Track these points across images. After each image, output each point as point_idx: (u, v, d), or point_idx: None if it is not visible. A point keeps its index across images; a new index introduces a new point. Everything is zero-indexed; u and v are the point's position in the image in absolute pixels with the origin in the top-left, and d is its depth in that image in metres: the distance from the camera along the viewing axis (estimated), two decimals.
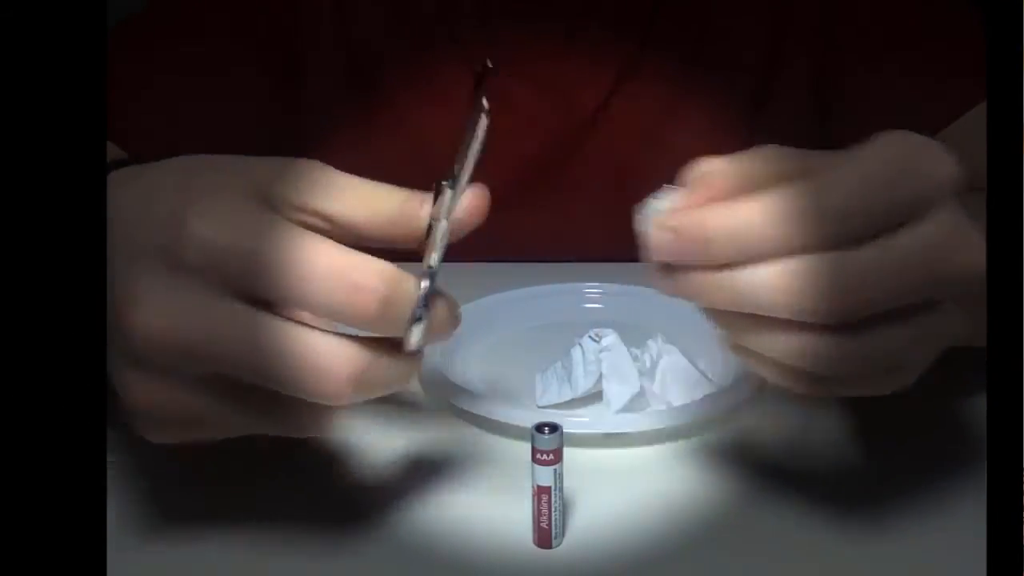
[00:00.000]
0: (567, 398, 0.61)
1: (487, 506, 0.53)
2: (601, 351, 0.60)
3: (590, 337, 0.61)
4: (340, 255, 0.41)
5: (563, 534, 0.51)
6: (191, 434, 0.44)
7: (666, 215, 0.42)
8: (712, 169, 0.42)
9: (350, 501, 0.54)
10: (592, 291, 0.72)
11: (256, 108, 0.82)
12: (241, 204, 0.41)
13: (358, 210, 0.43)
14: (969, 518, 0.51)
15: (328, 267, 0.40)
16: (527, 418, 0.57)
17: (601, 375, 0.60)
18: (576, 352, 0.61)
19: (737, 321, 0.42)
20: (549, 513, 0.50)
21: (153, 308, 0.41)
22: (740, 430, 0.60)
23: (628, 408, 0.59)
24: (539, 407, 0.61)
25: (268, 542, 0.51)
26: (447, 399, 0.60)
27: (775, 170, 0.42)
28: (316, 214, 0.43)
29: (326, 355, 0.41)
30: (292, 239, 0.40)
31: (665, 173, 0.45)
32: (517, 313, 0.70)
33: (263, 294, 0.41)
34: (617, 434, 0.58)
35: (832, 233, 0.39)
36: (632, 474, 0.56)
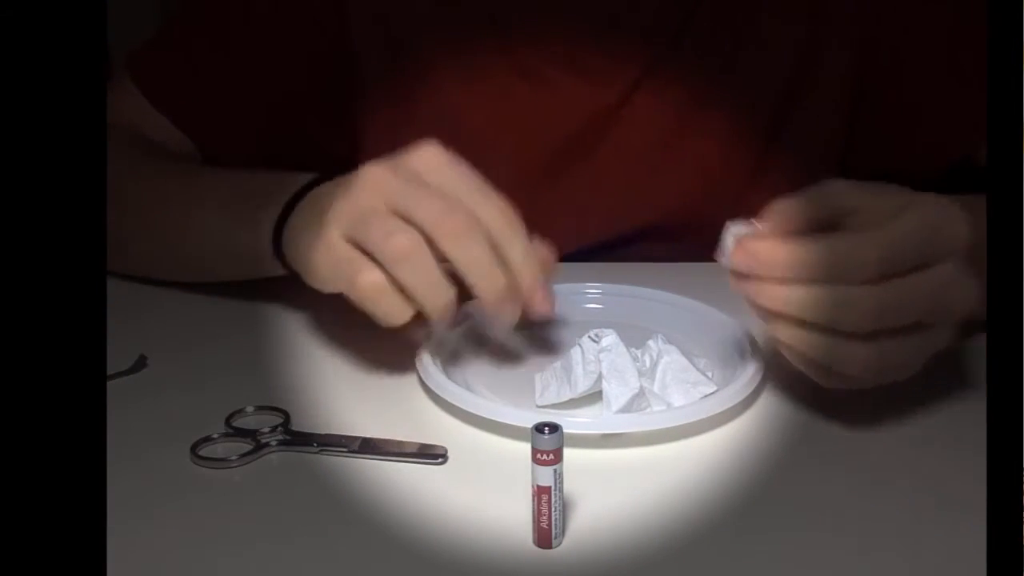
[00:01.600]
0: (566, 398, 0.61)
1: (487, 506, 0.53)
2: (601, 351, 0.60)
3: (590, 337, 0.61)
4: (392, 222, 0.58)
5: (563, 534, 0.51)
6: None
7: (748, 238, 0.56)
8: (785, 207, 0.55)
9: (350, 501, 0.54)
10: (592, 291, 0.72)
11: (299, 93, 0.83)
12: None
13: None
14: (969, 518, 0.51)
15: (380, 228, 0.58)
16: (527, 418, 0.57)
17: (600, 375, 0.60)
18: (576, 352, 0.61)
19: (783, 322, 0.55)
20: (549, 513, 0.50)
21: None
22: (740, 430, 0.60)
23: (628, 408, 0.59)
24: (538, 407, 0.61)
25: (268, 542, 0.51)
26: (447, 399, 0.60)
27: (836, 207, 0.55)
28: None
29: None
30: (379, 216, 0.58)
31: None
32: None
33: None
34: (617, 434, 0.58)
35: (868, 274, 0.53)
36: (632, 474, 0.56)
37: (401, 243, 0.57)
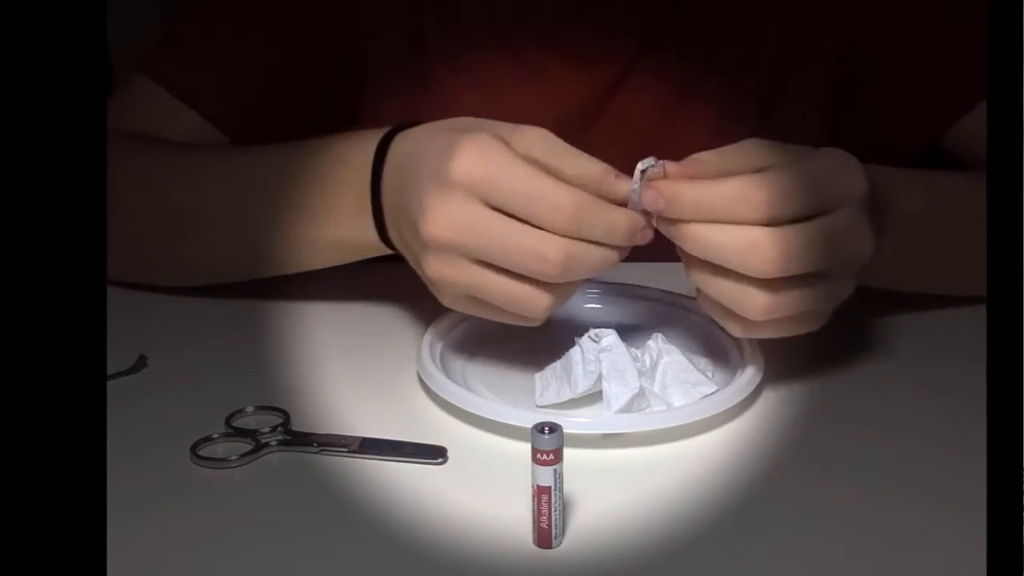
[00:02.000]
0: (566, 398, 0.61)
1: (487, 506, 0.53)
2: (601, 351, 0.60)
3: (590, 337, 0.61)
4: (527, 237, 0.56)
5: (563, 534, 0.51)
6: (467, 307, 0.60)
7: (658, 180, 0.57)
8: (701, 158, 0.57)
9: (350, 501, 0.54)
10: (592, 291, 0.72)
11: (309, 84, 0.83)
12: (489, 145, 0.57)
13: (568, 169, 0.57)
14: (969, 518, 0.51)
15: (518, 247, 0.56)
16: (527, 418, 0.57)
17: (600, 375, 0.60)
18: (575, 352, 0.61)
19: (696, 266, 0.57)
20: (549, 513, 0.50)
21: (433, 216, 0.57)
22: (740, 430, 0.60)
23: (628, 408, 0.59)
24: (538, 407, 0.61)
25: (268, 542, 0.51)
26: (447, 399, 0.60)
27: (749, 163, 0.57)
28: (539, 165, 0.57)
29: (541, 241, 0.56)
30: (496, 227, 0.56)
31: (678, 154, 0.58)
32: None
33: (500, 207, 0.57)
34: (617, 434, 0.58)
35: (758, 213, 0.55)
36: (632, 474, 0.56)
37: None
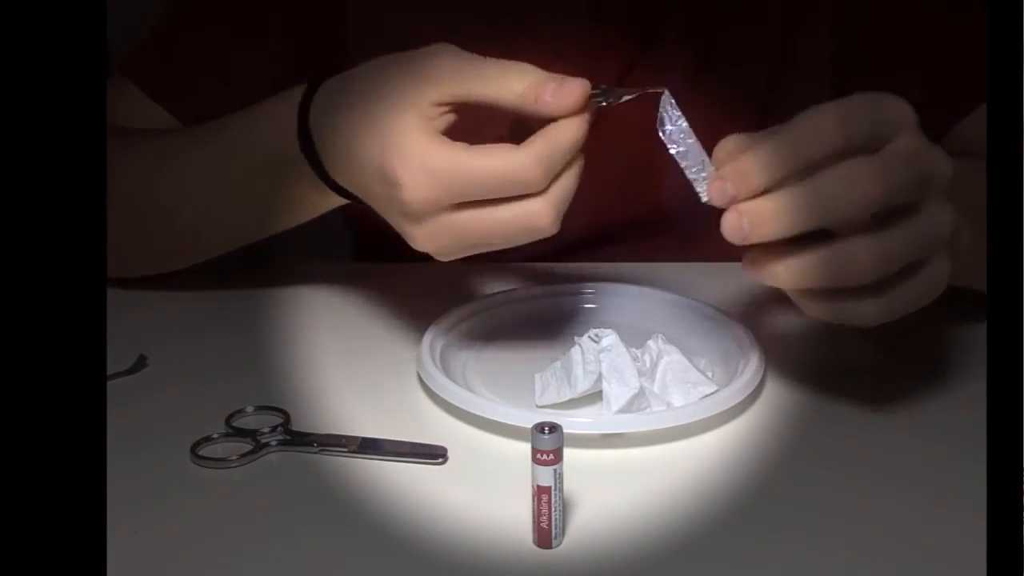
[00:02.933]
0: (566, 398, 0.61)
1: (487, 506, 0.53)
2: (601, 351, 0.60)
3: (590, 337, 0.61)
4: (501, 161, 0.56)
5: (563, 534, 0.51)
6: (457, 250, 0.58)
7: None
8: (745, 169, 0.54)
9: (350, 501, 0.54)
10: (592, 291, 0.72)
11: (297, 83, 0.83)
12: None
13: (488, 91, 0.57)
14: (969, 518, 0.51)
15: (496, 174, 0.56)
16: (527, 418, 0.57)
17: (600, 375, 0.60)
18: (576, 352, 0.61)
19: (802, 298, 0.56)
20: (549, 513, 0.50)
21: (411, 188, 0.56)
22: (740, 430, 0.60)
23: (628, 408, 0.59)
24: (538, 407, 0.61)
25: (268, 542, 0.51)
26: (447, 399, 0.60)
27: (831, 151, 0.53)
28: (459, 102, 0.57)
29: (509, 157, 0.56)
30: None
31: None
32: (517, 313, 0.70)
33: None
34: (617, 434, 0.58)
35: (836, 138, 0.52)
36: (632, 474, 0.56)
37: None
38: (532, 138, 0.56)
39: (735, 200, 0.53)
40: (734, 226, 0.53)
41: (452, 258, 0.59)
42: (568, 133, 0.57)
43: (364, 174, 0.59)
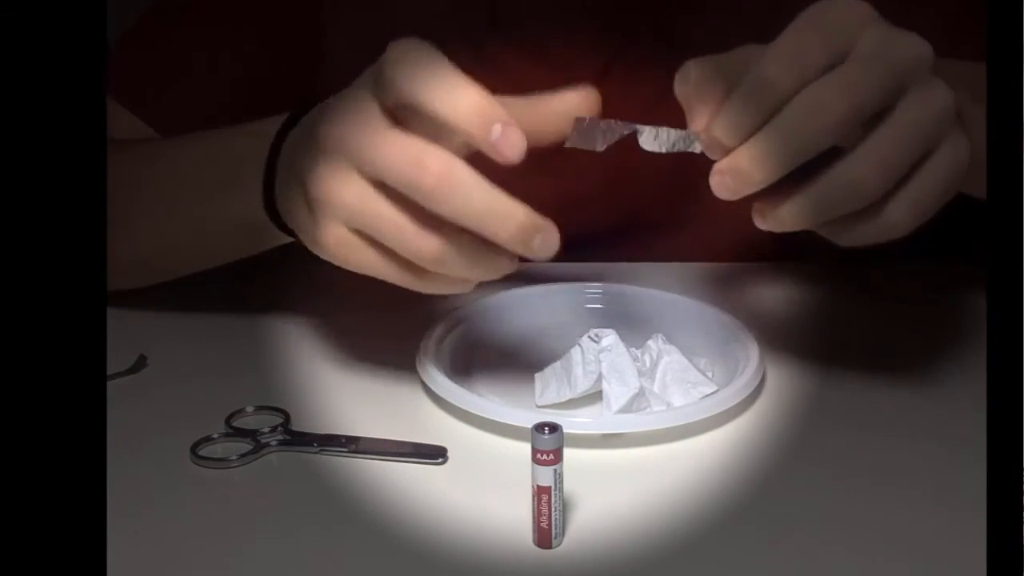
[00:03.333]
0: (566, 398, 0.61)
1: (487, 506, 0.53)
2: (601, 351, 0.60)
3: (590, 337, 0.61)
4: (411, 142, 0.52)
5: (563, 534, 0.51)
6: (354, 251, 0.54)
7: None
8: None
9: (350, 501, 0.54)
10: (592, 291, 0.72)
11: (273, 97, 0.83)
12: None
13: (438, 105, 0.52)
14: (969, 518, 0.51)
15: (399, 150, 0.52)
16: (527, 418, 0.57)
17: (600, 375, 0.60)
18: (576, 352, 0.61)
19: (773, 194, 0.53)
20: (549, 513, 0.50)
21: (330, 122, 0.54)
22: (740, 430, 0.60)
23: (628, 408, 0.59)
24: (538, 407, 0.61)
25: (268, 542, 0.51)
26: (447, 399, 0.60)
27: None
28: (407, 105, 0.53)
29: (421, 148, 0.51)
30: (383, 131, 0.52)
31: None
32: (517, 313, 0.70)
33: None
34: (617, 434, 0.58)
35: (801, 79, 0.51)
36: (632, 474, 0.56)
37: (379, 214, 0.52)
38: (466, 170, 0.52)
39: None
40: (721, 185, 0.53)
41: (336, 239, 0.55)
42: (507, 205, 0.53)
43: (300, 148, 0.57)
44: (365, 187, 0.53)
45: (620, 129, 0.57)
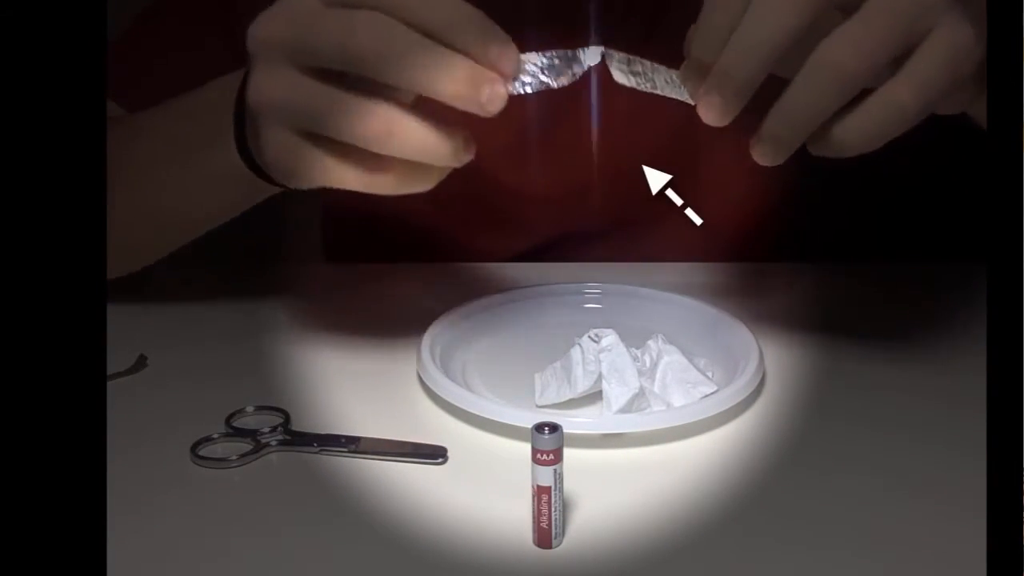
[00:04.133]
0: (566, 398, 0.61)
1: (487, 506, 0.53)
2: (601, 351, 0.60)
3: (590, 337, 0.61)
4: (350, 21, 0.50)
5: (563, 534, 0.51)
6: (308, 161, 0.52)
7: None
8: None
9: (350, 501, 0.54)
10: (592, 291, 0.72)
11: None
12: None
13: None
14: (969, 518, 0.51)
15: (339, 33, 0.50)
16: (527, 418, 0.57)
17: (600, 375, 0.60)
18: (576, 352, 0.61)
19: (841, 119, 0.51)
20: (549, 513, 0.50)
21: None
22: (740, 430, 0.60)
23: (628, 408, 0.59)
24: (538, 407, 0.61)
25: (268, 542, 0.51)
26: (447, 399, 0.60)
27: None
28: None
29: (351, 15, 0.49)
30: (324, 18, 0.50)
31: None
32: (517, 313, 0.70)
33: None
34: (617, 434, 0.58)
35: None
36: (632, 474, 0.56)
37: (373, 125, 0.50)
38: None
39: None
40: (706, 106, 0.51)
41: (280, 142, 0.53)
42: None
43: None
44: (300, 78, 0.51)
45: (576, 60, 0.55)
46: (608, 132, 0.81)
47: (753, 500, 0.54)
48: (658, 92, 0.54)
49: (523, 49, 0.54)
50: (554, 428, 0.49)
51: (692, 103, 0.53)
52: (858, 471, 0.56)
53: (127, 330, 0.67)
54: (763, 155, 0.51)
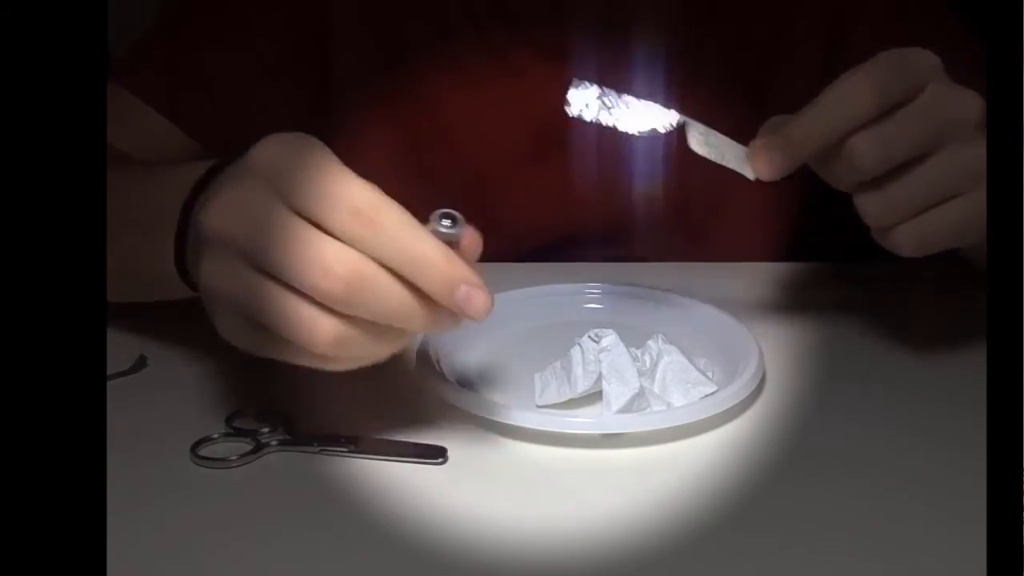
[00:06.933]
0: (566, 398, 0.61)
1: (487, 506, 0.53)
2: (601, 351, 0.60)
3: (590, 337, 0.61)
4: (317, 243, 0.48)
5: None
6: (245, 336, 0.52)
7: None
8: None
9: (350, 501, 0.54)
10: (592, 291, 0.72)
11: (287, 88, 0.83)
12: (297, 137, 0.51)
13: (334, 209, 0.48)
14: (969, 518, 0.51)
15: (303, 253, 0.48)
16: (527, 418, 0.57)
17: (600, 375, 0.60)
18: (576, 352, 0.61)
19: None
20: None
21: (216, 204, 0.50)
22: (740, 430, 0.60)
23: (628, 408, 0.59)
24: (538, 406, 0.61)
25: (268, 542, 0.51)
26: (447, 399, 0.60)
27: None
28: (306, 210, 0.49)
29: (332, 251, 0.48)
30: (284, 227, 0.48)
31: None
32: (517, 313, 0.70)
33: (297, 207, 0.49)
34: (617, 434, 0.58)
35: (871, 104, 0.56)
36: (632, 474, 0.56)
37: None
38: (376, 268, 0.48)
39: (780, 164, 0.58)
40: (765, 161, 0.57)
41: (226, 324, 0.52)
42: (393, 290, 0.49)
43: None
44: (254, 277, 0.49)
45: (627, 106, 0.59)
46: (608, 133, 0.81)
47: (753, 500, 0.54)
48: (723, 164, 0.60)
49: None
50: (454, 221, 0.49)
51: (752, 179, 0.59)
52: (858, 471, 0.56)
53: (127, 330, 0.67)
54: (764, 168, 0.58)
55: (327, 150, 0.50)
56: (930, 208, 0.58)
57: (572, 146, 0.83)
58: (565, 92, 0.59)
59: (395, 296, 0.48)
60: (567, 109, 0.59)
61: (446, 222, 0.50)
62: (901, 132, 0.56)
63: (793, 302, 0.74)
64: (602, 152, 0.83)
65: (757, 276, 0.78)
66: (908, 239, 0.59)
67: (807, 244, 0.81)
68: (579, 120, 0.59)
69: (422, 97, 0.83)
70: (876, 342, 0.68)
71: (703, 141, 0.60)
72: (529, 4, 0.82)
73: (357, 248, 0.48)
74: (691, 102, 0.82)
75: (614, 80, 0.82)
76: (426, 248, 0.48)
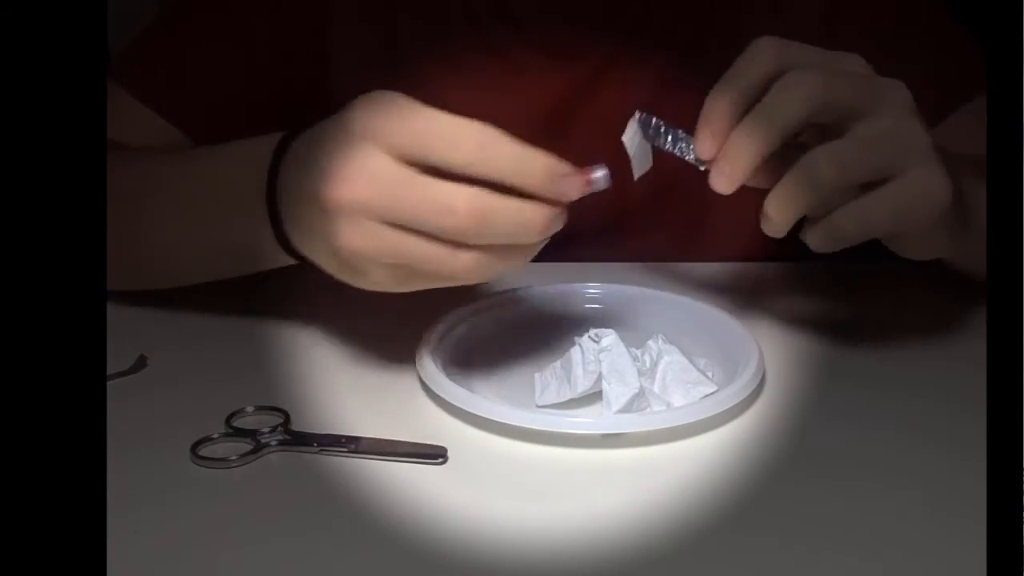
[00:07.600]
0: (566, 398, 0.61)
1: (487, 506, 0.53)
2: (601, 351, 0.60)
3: (590, 337, 0.61)
4: (436, 190, 0.54)
5: None
6: (391, 281, 0.57)
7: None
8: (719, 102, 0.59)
9: (350, 501, 0.54)
10: (592, 291, 0.72)
11: (286, 87, 0.83)
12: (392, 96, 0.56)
13: (437, 152, 0.54)
14: (969, 518, 0.51)
15: (429, 203, 0.54)
16: (527, 418, 0.57)
17: (600, 375, 0.60)
18: (576, 352, 0.61)
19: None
20: None
21: (338, 176, 0.55)
22: (740, 430, 0.60)
23: (628, 408, 0.59)
24: (538, 406, 0.61)
25: (268, 542, 0.51)
26: (447, 399, 0.60)
27: (772, 70, 0.58)
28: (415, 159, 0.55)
29: (449, 193, 0.54)
30: (405, 184, 0.54)
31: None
32: (517, 313, 0.70)
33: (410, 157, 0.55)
34: (617, 434, 0.58)
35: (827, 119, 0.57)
36: (632, 474, 0.56)
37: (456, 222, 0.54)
38: (491, 196, 0.54)
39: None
40: (717, 175, 0.59)
41: (373, 278, 0.57)
42: (514, 208, 0.55)
43: (305, 194, 0.57)
44: (393, 233, 0.55)
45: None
46: (607, 133, 0.81)
47: (753, 500, 0.54)
48: (676, 155, 0.62)
49: None
50: None
51: (701, 169, 0.60)
52: (858, 471, 0.56)
53: (127, 330, 0.67)
54: (767, 229, 0.60)
55: (413, 101, 0.56)
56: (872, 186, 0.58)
57: (572, 145, 0.83)
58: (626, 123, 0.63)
59: (511, 216, 0.54)
60: (626, 139, 0.64)
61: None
62: (813, 79, 0.57)
63: (793, 302, 0.74)
64: (602, 152, 0.83)
65: (757, 276, 0.78)
66: (819, 235, 0.59)
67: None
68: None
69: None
70: (876, 342, 0.68)
71: (662, 141, 0.63)
72: (529, 3, 0.82)
73: (471, 175, 0.54)
74: (690, 100, 0.82)
75: (614, 79, 0.82)
76: (522, 154, 0.55)
